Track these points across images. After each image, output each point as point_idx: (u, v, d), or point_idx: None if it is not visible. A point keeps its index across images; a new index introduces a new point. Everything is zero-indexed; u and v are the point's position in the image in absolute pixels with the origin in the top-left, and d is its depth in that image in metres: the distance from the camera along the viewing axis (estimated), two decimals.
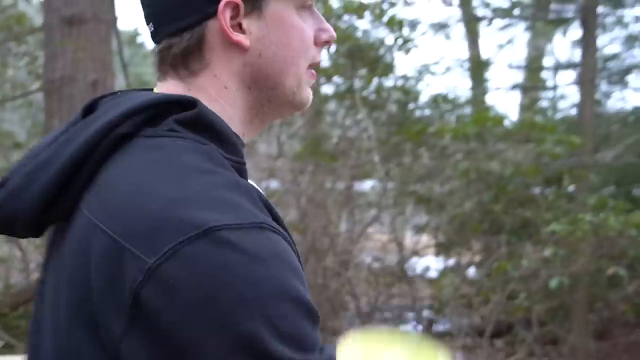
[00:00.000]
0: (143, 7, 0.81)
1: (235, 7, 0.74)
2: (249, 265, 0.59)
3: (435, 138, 5.36)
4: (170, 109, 0.72)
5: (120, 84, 5.61)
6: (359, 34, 5.49)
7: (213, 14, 0.73)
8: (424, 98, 5.86)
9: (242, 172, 0.72)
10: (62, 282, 0.71)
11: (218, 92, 0.77)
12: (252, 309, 0.58)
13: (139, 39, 10.78)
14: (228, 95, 0.78)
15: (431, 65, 5.78)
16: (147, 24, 0.82)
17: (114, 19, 5.20)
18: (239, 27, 0.75)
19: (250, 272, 0.59)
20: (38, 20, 6.10)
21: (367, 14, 5.41)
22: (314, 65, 0.83)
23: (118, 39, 5.37)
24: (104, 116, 0.71)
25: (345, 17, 5.42)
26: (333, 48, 5.35)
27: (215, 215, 0.60)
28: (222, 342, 0.57)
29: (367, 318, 5.31)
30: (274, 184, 5.74)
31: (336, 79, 5.62)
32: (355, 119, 5.65)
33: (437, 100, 5.77)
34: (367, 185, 5.94)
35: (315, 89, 5.27)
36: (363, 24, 5.51)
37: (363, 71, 5.47)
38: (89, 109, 0.77)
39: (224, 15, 0.73)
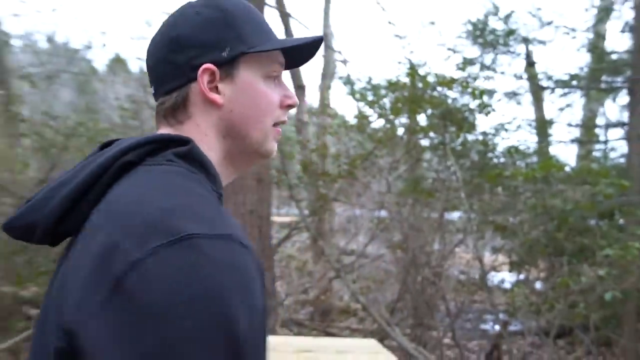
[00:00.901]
0: (148, 73, 0.92)
1: (212, 74, 0.85)
2: (208, 270, 0.64)
3: (509, 180, 5.82)
4: (168, 145, 0.82)
5: None
6: (449, 100, 6.04)
7: (195, 78, 0.85)
8: (499, 149, 6.29)
9: (220, 201, 0.81)
10: (62, 281, 0.75)
11: (200, 138, 0.86)
12: (201, 306, 0.62)
13: None
14: (208, 141, 0.87)
15: (505, 124, 6.28)
16: (151, 86, 0.92)
17: None
18: (216, 89, 0.86)
19: (207, 276, 0.63)
20: None
21: (455, 86, 6.02)
22: (279, 124, 0.93)
23: None
24: (115, 148, 0.80)
25: (439, 89, 6.02)
26: (429, 111, 6.08)
27: (193, 225, 0.66)
28: (174, 330, 0.61)
29: (454, 317, 5.75)
30: (383, 213, 6.40)
31: (431, 134, 6.19)
32: (446, 165, 6.06)
33: (511, 151, 6.20)
34: (455, 215, 6.31)
35: (415, 143, 6.35)
36: (452, 94, 6.07)
37: (452, 129, 5.98)
38: (106, 145, 0.87)
39: (202, 78, 0.84)
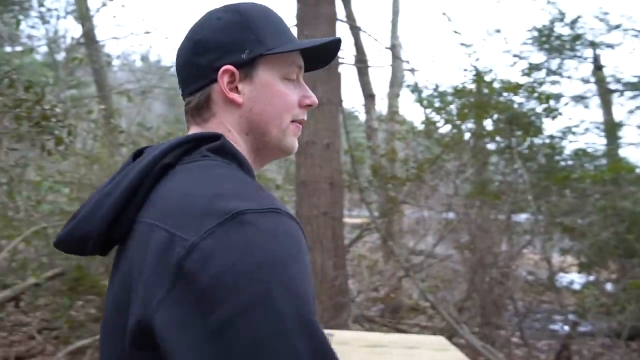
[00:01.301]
0: (177, 76, 0.95)
1: (232, 75, 0.88)
2: (265, 239, 0.68)
3: (577, 182, 5.85)
4: (201, 143, 0.85)
5: (343, 145, 6.16)
6: (515, 105, 6.07)
7: (216, 79, 0.88)
8: (567, 152, 6.28)
9: None
10: (116, 285, 0.80)
11: (225, 134, 0.89)
12: (265, 272, 0.65)
13: (355, 114, 12.04)
14: (233, 137, 0.91)
15: (573, 127, 6.28)
16: (179, 88, 0.96)
17: (340, 102, 5.58)
18: (236, 89, 0.90)
19: (265, 245, 0.67)
20: None
21: (521, 91, 6.06)
22: (298, 122, 0.95)
23: (343, 115, 5.89)
24: (151, 153, 0.83)
25: (505, 94, 6.09)
26: (495, 116, 6.14)
27: (241, 204, 0.70)
28: (242, 298, 0.64)
29: (522, 317, 5.69)
30: (450, 215, 6.46)
31: (498, 138, 6.24)
32: (513, 168, 6.09)
33: (578, 154, 6.20)
34: (522, 217, 6.29)
35: (482, 147, 6.43)
36: (518, 99, 6.11)
37: (519, 133, 5.98)
38: (137, 155, 0.91)
39: (222, 79, 0.88)
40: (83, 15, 9.43)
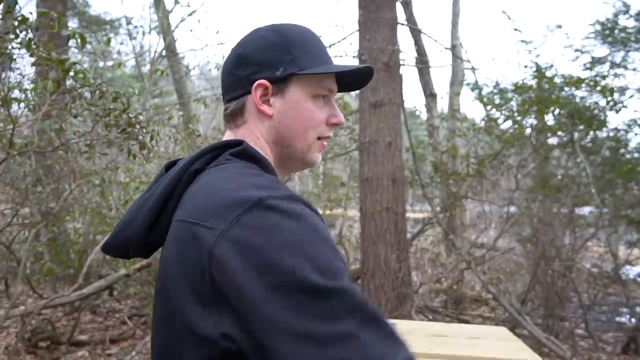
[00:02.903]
0: (221, 83, 1.00)
1: (265, 89, 0.92)
2: (290, 221, 0.69)
3: None
4: (225, 149, 0.89)
5: (405, 143, 5.98)
6: (577, 99, 5.74)
7: (251, 91, 0.93)
8: (632, 145, 5.87)
9: None
10: (158, 283, 0.84)
11: (254, 140, 0.94)
12: (293, 250, 0.66)
13: (417, 113, 11.85)
14: (261, 144, 0.94)
15: (638, 119, 5.81)
16: (222, 95, 1.00)
17: (402, 102, 5.54)
18: (268, 102, 0.93)
19: (291, 226, 0.69)
20: (355, 104, 7.37)
21: (583, 85, 5.67)
22: (324, 138, 0.97)
23: (404, 114, 5.65)
24: (182, 162, 0.89)
25: (566, 89, 5.77)
26: (556, 111, 5.90)
27: (263, 192, 0.73)
28: (273, 276, 0.64)
29: (587, 309, 5.51)
30: (512, 209, 6.26)
31: (559, 133, 5.95)
32: (575, 162, 5.89)
33: None
34: (585, 210, 6.05)
35: (543, 142, 6.17)
36: (580, 93, 5.77)
37: (581, 126, 5.70)
38: (169, 166, 0.96)
39: (256, 92, 0.92)
40: (164, 31, 9.82)
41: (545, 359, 4.97)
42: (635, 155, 5.80)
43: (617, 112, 5.54)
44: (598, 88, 5.70)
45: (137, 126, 3.20)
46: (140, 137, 3.21)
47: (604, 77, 5.71)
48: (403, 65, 5.45)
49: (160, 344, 0.82)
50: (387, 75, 5.03)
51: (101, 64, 9.15)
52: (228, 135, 0.98)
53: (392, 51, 5.09)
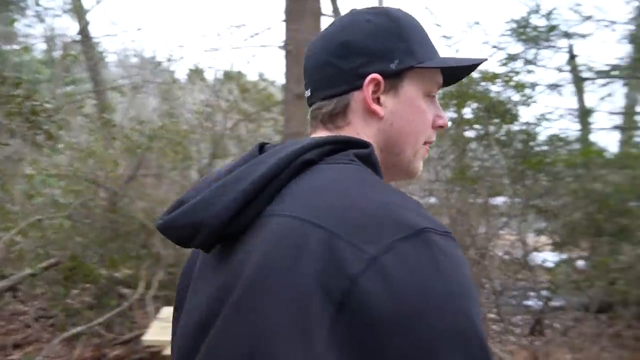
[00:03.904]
0: (305, 77, 0.85)
1: (377, 84, 0.79)
2: (452, 267, 0.59)
3: (550, 166, 5.83)
4: (346, 146, 0.75)
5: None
6: (493, 94, 6.00)
7: (359, 87, 0.79)
8: (542, 138, 6.16)
9: None
10: (222, 280, 0.67)
11: None
12: (454, 305, 0.56)
13: None
14: None
15: (547, 114, 6.17)
16: (306, 89, 0.86)
17: None
18: (377, 100, 0.80)
19: (453, 273, 0.58)
20: (279, 96, 7.20)
21: (499, 81, 6.02)
22: (429, 143, 0.86)
23: None
24: (290, 147, 0.72)
25: (483, 83, 6.05)
26: (474, 105, 6.09)
27: (422, 220, 0.61)
28: (428, 332, 0.55)
29: (499, 295, 5.74)
30: (432, 200, 6.37)
31: (476, 126, 6.22)
32: (490, 154, 6.09)
33: (553, 139, 6.13)
34: (499, 200, 6.24)
35: (461, 134, 6.40)
36: (496, 88, 6.06)
37: (496, 120, 5.94)
38: (262, 147, 0.82)
39: (368, 88, 0.79)
40: (78, 13, 9.27)
41: None
42: (545, 147, 6.12)
43: (528, 106, 5.88)
44: (512, 83, 5.98)
45: (43, 115, 3.00)
46: (46, 127, 3.01)
47: (517, 73, 6.07)
48: None
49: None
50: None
51: (7, 47, 8.49)
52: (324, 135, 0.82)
53: None
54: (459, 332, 0.56)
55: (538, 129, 6.18)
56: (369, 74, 0.79)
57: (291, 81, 5.03)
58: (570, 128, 6.60)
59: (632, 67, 6.06)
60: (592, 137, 6.66)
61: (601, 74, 6.26)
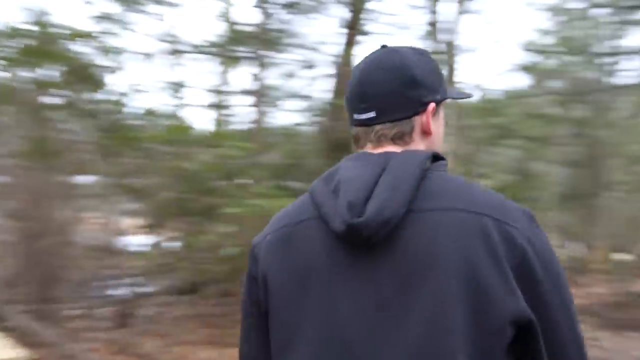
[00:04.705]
0: (362, 101, 0.99)
1: (433, 110, 1.00)
2: (546, 237, 0.93)
3: (141, 142, 5.41)
4: (435, 158, 0.97)
5: None
6: (80, 56, 5.35)
7: (421, 111, 0.98)
8: (135, 111, 5.84)
9: None
10: (394, 275, 0.86)
11: None
12: (556, 256, 0.92)
13: None
14: None
15: (139, 85, 5.90)
16: (365, 112, 0.99)
17: None
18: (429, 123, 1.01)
19: (549, 240, 0.93)
20: None
21: (87, 41, 5.38)
22: None
23: None
24: (415, 158, 0.92)
25: (69, 42, 5.30)
26: (57, 66, 5.33)
27: (527, 209, 0.93)
28: (556, 265, 0.89)
29: (84, 286, 5.36)
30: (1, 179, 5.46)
31: (59, 92, 5.42)
32: (76, 125, 5.59)
33: (147, 114, 5.80)
34: (85, 179, 5.78)
35: (37, 100, 5.40)
36: (82, 49, 5.38)
37: (82, 86, 5.31)
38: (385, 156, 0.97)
39: (429, 114, 0.99)
40: None
41: (38, 349, 4.39)
42: (137, 122, 5.76)
43: (115, 73, 5.47)
44: (101, 46, 5.44)
45: None
46: None
47: (111, 35, 5.54)
48: None
49: (435, 336, 0.83)
50: None
51: None
52: (393, 150, 0.99)
53: None
54: (561, 268, 0.91)
55: (131, 101, 5.96)
56: (429, 102, 0.99)
57: None
58: (167, 103, 6.29)
59: (225, 45, 6.10)
60: (189, 114, 6.52)
61: (197, 48, 6.15)
